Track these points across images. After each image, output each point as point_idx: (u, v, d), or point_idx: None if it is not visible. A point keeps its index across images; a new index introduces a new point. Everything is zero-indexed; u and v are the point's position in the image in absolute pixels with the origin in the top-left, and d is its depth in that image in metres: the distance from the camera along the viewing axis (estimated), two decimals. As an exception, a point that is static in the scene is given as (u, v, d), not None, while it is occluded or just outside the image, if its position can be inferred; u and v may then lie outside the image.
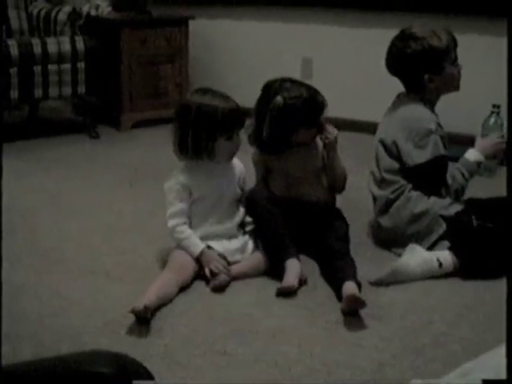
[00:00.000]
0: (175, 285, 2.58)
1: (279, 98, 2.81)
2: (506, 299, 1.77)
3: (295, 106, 2.81)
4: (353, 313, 2.45)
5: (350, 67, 5.02)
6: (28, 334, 2.32)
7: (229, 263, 2.72)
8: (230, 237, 2.80)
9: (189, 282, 2.66)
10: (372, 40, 4.78)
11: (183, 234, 2.73)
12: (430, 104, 3.00)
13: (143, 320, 2.37)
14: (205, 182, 2.77)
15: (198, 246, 2.71)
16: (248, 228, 2.89)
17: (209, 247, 2.73)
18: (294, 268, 2.66)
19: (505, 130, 2.98)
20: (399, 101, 3.04)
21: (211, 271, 2.65)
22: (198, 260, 2.70)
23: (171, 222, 2.75)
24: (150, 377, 1.29)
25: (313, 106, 2.84)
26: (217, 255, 2.70)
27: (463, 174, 2.93)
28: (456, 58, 2.98)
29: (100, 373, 1.22)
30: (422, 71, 2.91)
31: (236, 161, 2.88)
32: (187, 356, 2.20)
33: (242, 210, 2.87)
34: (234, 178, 2.85)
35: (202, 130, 2.70)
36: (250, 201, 2.84)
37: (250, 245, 2.82)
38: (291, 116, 2.82)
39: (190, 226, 2.77)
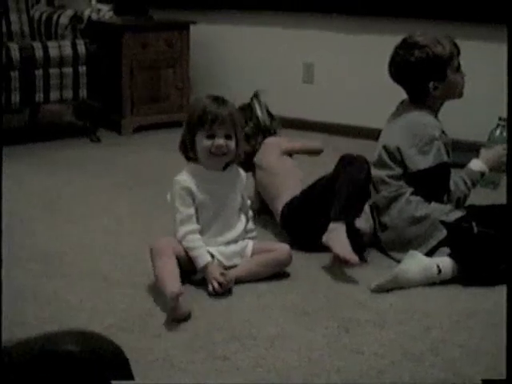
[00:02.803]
0: (177, 265, 2.62)
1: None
2: (506, 303, 1.78)
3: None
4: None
5: (351, 73, 5.03)
6: (28, 338, 2.32)
7: (225, 268, 2.71)
8: (229, 242, 2.79)
9: None
10: (373, 46, 4.80)
11: (193, 243, 2.69)
12: (434, 111, 3.01)
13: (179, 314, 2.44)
14: (207, 188, 2.73)
15: (205, 259, 2.68)
16: (250, 235, 2.89)
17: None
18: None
19: None
20: (403, 107, 3.05)
21: (213, 288, 2.63)
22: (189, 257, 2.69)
23: (181, 230, 2.70)
24: (119, 354, 1.29)
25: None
26: (220, 271, 2.66)
27: (466, 183, 2.95)
28: (459, 65, 2.99)
29: (67, 351, 1.23)
30: (426, 79, 2.93)
31: (240, 170, 2.87)
32: (187, 361, 2.20)
33: (243, 218, 2.86)
34: (237, 187, 2.83)
35: (186, 125, 2.78)
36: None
37: (250, 248, 2.81)
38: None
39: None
